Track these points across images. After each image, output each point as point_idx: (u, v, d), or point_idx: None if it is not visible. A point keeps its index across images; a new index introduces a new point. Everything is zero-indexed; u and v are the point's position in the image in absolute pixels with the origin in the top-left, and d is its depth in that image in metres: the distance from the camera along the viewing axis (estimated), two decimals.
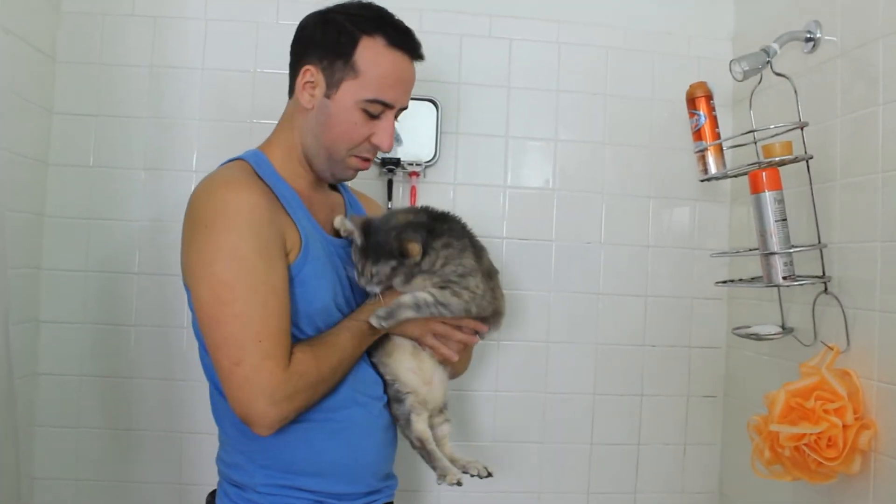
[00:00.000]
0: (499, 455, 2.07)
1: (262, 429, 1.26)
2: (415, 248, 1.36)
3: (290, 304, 1.32)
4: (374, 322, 1.38)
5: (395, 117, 1.44)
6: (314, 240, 1.38)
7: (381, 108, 1.40)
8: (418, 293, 1.40)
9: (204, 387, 1.43)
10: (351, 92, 1.37)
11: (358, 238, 1.39)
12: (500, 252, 2.07)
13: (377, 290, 1.39)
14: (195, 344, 1.40)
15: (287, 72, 1.47)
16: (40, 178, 1.93)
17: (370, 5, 1.44)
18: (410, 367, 1.49)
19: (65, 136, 1.96)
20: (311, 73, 1.38)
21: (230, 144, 1.96)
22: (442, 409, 1.56)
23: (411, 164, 1.99)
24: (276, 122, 1.49)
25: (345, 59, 1.36)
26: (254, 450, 1.35)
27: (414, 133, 1.98)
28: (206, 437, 1.87)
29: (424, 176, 2.03)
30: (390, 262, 1.37)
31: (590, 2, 2.13)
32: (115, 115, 1.97)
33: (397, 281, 1.39)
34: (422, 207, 1.52)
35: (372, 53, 1.37)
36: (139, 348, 1.97)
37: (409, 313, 1.40)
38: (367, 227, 1.40)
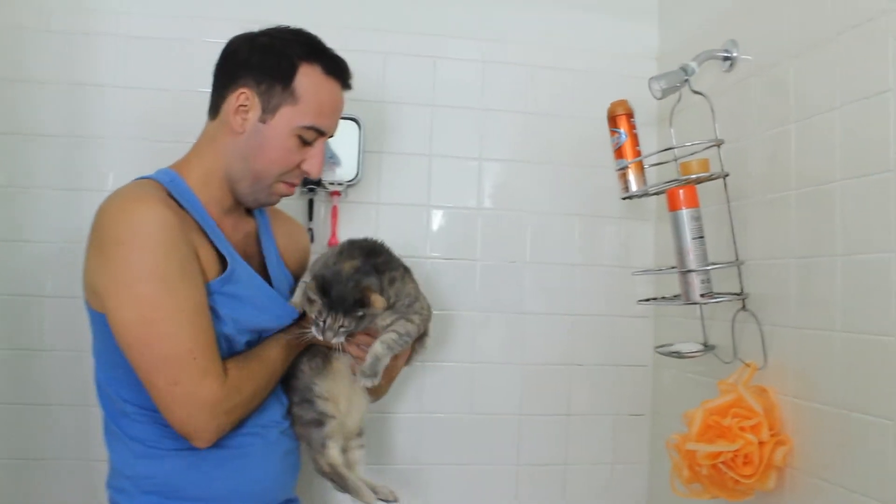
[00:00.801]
0: (423, 478, 2.04)
1: (201, 441, 1.28)
2: (379, 300, 1.41)
3: (218, 321, 1.33)
4: (367, 384, 1.44)
5: None
6: (238, 262, 1.38)
7: (315, 136, 1.41)
8: (384, 337, 1.46)
9: None
10: (288, 118, 1.37)
11: (318, 299, 1.41)
12: (424, 272, 2.04)
13: (342, 339, 1.41)
14: None
15: (208, 91, 1.44)
16: None
17: (302, 32, 1.44)
18: (345, 394, 1.53)
19: None
20: (247, 97, 1.37)
21: (149, 164, 1.88)
22: (359, 434, 1.59)
23: (332, 184, 1.95)
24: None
25: (284, 84, 1.37)
26: (141, 475, 1.34)
27: (336, 152, 1.95)
28: None
29: (346, 196, 2.00)
30: (358, 313, 1.39)
31: (515, 20, 2.13)
32: (28, 133, 1.91)
33: (363, 325, 1.43)
34: (350, 245, 1.53)
35: (311, 81, 1.38)
36: (51, 374, 1.90)
37: (387, 360, 1.46)
38: (322, 284, 1.41)
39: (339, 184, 1.95)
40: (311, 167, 1.43)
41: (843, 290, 1.38)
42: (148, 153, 1.93)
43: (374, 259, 1.47)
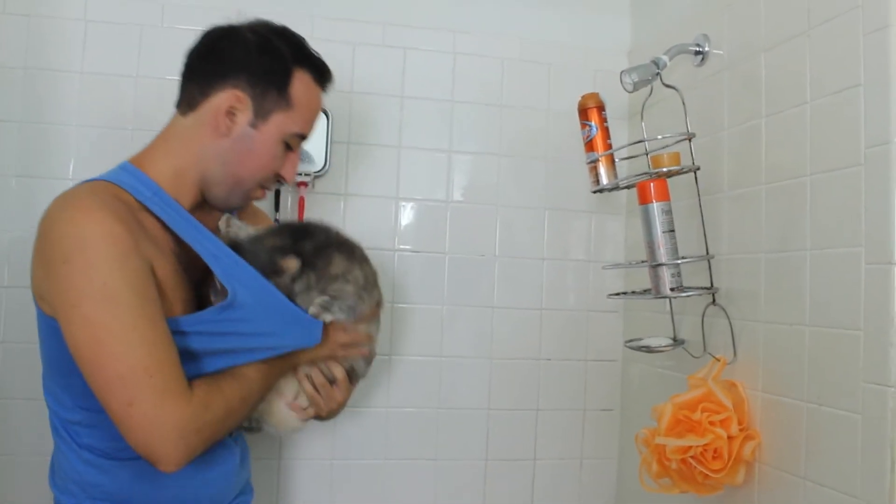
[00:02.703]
0: (392, 473, 2.02)
1: (169, 465, 1.17)
2: (291, 263, 1.31)
3: (222, 338, 1.27)
4: (326, 318, 1.35)
5: None
6: (248, 279, 1.31)
7: (299, 142, 1.38)
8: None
9: None
10: (280, 124, 1.33)
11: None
12: (391, 265, 2.03)
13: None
14: None
15: (172, 79, 1.39)
16: None
17: (288, 31, 1.39)
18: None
19: None
20: (239, 99, 1.31)
21: (110, 152, 1.84)
22: None
23: (300, 175, 1.90)
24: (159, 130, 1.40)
25: (279, 89, 1.32)
26: (89, 483, 1.29)
27: (304, 142, 1.92)
28: None
29: (313, 187, 1.96)
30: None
31: (486, 12, 2.11)
32: None
33: None
34: (282, 226, 1.46)
35: (303, 87, 1.36)
36: (8, 366, 1.84)
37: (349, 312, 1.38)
38: (235, 246, 1.33)
39: (307, 175, 1.91)
40: (288, 173, 1.40)
41: (813, 284, 1.38)
42: (109, 140, 1.89)
43: (299, 242, 1.37)
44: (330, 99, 1.94)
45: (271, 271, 1.30)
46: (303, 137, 1.40)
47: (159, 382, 1.16)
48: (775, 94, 1.51)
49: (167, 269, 1.26)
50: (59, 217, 1.21)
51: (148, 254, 1.23)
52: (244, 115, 1.32)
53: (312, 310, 1.34)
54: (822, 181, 1.37)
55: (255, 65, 1.32)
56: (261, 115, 1.32)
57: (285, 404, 1.44)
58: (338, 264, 1.38)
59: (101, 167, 1.39)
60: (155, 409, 1.15)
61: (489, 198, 2.09)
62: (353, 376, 1.50)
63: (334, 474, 1.99)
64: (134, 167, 1.33)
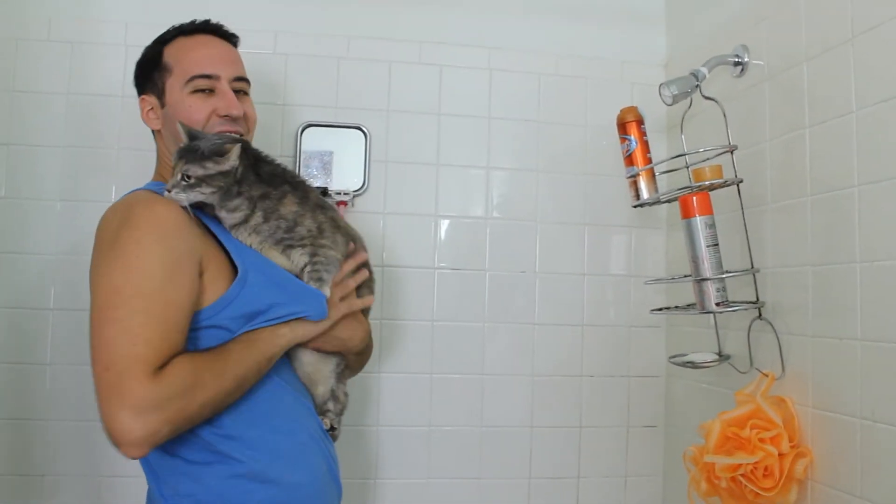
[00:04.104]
0: (435, 492, 2.01)
1: (129, 447, 1.11)
2: (234, 147, 1.31)
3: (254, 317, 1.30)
4: (325, 290, 1.40)
5: (243, 93, 1.51)
6: (248, 256, 1.35)
7: (208, 82, 1.45)
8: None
9: None
10: (173, 86, 1.45)
11: (183, 137, 1.35)
12: (432, 282, 2.03)
13: (184, 198, 1.29)
14: None
15: None
16: None
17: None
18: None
19: None
20: (146, 101, 1.50)
21: (150, 174, 1.89)
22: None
23: (339, 193, 1.93)
24: None
25: (157, 68, 1.48)
26: (184, 493, 1.27)
27: (342, 161, 1.94)
28: (128, 480, 1.79)
29: (353, 205, 1.97)
30: (206, 165, 1.29)
31: (521, 28, 2.11)
32: (29, 144, 1.89)
33: (207, 192, 1.30)
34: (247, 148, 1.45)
35: (175, 49, 1.48)
36: (55, 388, 1.86)
37: (323, 268, 1.40)
38: (192, 134, 1.36)
39: (346, 193, 1.93)
40: (225, 106, 1.45)
41: (864, 297, 1.35)
42: (150, 163, 1.87)
43: (259, 163, 1.40)
44: (367, 117, 1.98)
45: (215, 152, 1.31)
46: (207, 76, 1.45)
47: (139, 352, 1.13)
48: (819, 104, 1.49)
49: (213, 252, 1.32)
50: (111, 213, 1.30)
51: (197, 244, 1.28)
52: (156, 105, 1.49)
53: (313, 285, 1.40)
54: (871, 191, 1.34)
55: (139, 70, 1.53)
56: (160, 93, 1.47)
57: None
58: (289, 205, 1.40)
59: None
60: (120, 377, 1.11)
61: (528, 214, 2.08)
62: None
63: (378, 494, 1.99)
64: (156, 182, 1.50)
